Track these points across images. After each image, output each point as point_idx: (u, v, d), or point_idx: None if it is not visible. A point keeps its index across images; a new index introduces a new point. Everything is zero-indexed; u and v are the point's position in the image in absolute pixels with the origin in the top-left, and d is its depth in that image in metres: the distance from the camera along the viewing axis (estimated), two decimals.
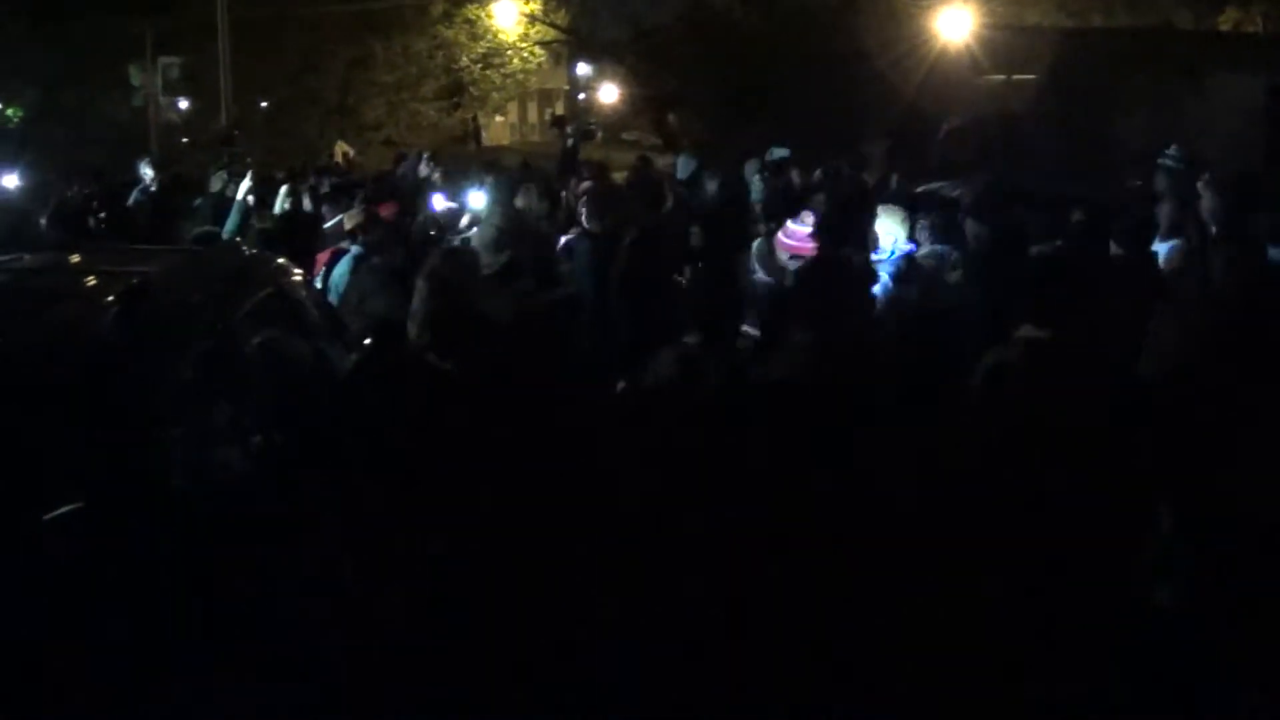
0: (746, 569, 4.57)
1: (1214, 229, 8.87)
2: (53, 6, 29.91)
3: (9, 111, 33.82)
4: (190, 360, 4.63)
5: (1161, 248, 8.87)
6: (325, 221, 11.31)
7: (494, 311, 5.92)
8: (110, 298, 4.69)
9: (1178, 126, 21.56)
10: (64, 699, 3.52)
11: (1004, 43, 25.34)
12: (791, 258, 8.64)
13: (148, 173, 14.45)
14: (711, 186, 13.28)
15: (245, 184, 11.65)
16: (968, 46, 24.79)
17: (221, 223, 10.84)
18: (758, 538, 4.57)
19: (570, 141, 17.41)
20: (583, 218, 10.35)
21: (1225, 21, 33.78)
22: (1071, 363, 5.09)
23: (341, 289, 8.25)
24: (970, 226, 8.77)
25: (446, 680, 4.45)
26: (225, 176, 13.10)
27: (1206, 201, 9.28)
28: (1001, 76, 25.47)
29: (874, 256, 8.90)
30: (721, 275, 8.70)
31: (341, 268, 8.71)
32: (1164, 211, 9.19)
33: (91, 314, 4.76)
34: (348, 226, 9.48)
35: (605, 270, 8.64)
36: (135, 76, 32.96)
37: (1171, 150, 10.76)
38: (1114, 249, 8.60)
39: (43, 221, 11.78)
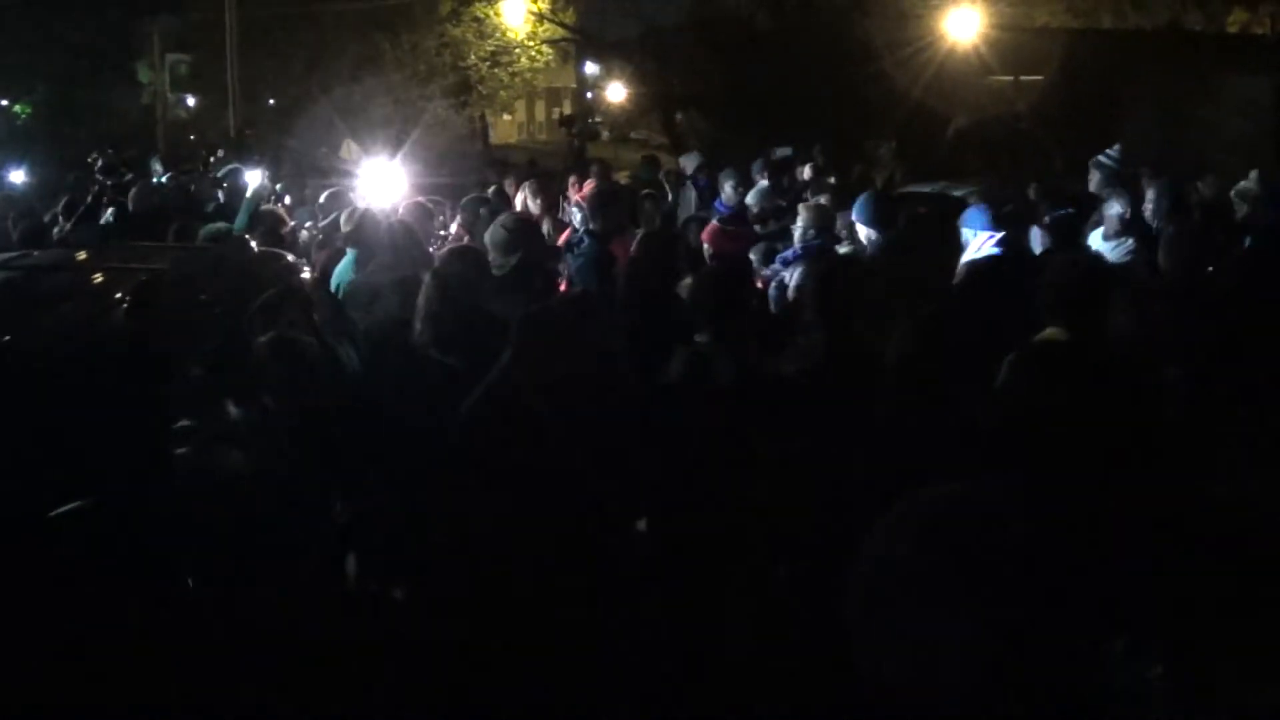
0: (759, 565, 4.58)
1: (1156, 224, 8.98)
2: (61, 4, 29.97)
3: (18, 109, 33.90)
4: (199, 357, 4.64)
5: (1107, 246, 8.94)
6: (322, 219, 11.34)
7: (505, 311, 5.92)
8: (120, 295, 4.70)
9: (1186, 127, 21.60)
10: (67, 695, 3.52)
11: (1012, 43, 25.33)
12: (712, 255, 8.71)
13: (157, 168, 14.45)
14: (727, 187, 13.30)
15: (255, 182, 11.65)
16: (975, 47, 24.77)
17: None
18: (767, 534, 4.58)
19: (575, 142, 17.41)
20: (575, 219, 10.42)
21: (1234, 23, 33.75)
22: (1094, 365, 5.07)
23: (343, 287, 8.24)
24: (861, 231, 8.73)
25: (452, 680, 4.45)
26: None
27: (1150, 198, 9.45)
28: (1009, 77, 25.47)
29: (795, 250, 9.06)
30: (733, 273, 8.69)
31: (343, 266, 8.72)
32: (1111, 210, 9.26)
33: (101, 311, 4.77)
34: (344, 231, 9.47)
35: (608, 269, 8.65)
36: (144, 74, 33.09)
37: (1112, 150, 10.92)
38: (1045, 243, 8.64)
39: (57, 217, 11.79)
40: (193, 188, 13.54)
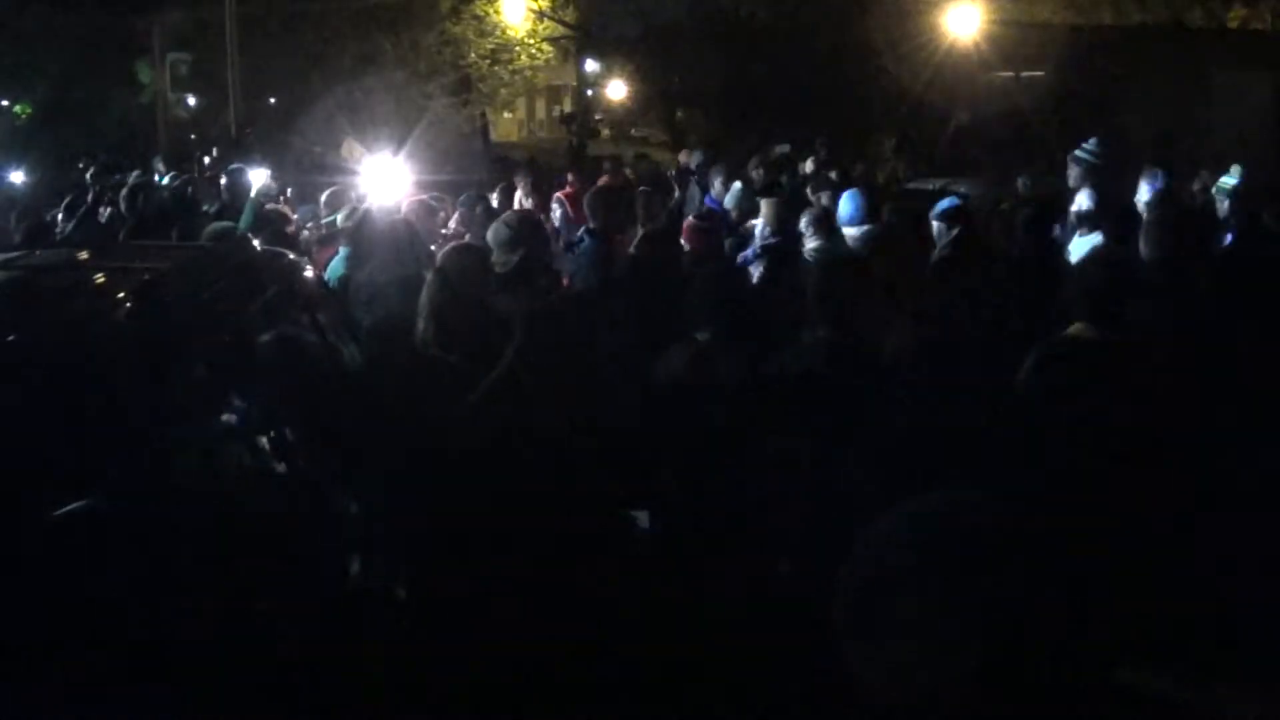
0: (760, 562, 4.57)
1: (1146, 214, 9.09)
2: (61, 3, 29.94)
3: (18, 109, 33.87)
4: (202, 357, 4.63)
5: (1082, 241, 9.12)
6: (325, 217, 11.35)
7: (508, 309, 5.93)
8: (120, 295, 4.69)
9: (1186, 123, 21.60)
10: (67, 699, 3.51)
11: (1013, 39, 25.33)
12: (688, 250, 8.79)
13: (160, 168, 14.37)
14: (716, 183, 13.32)
15: (259, 181, 11.65)
16: (976, 43, 24.76)
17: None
18: (769, 531, 4.57)
19: (574, 141, 17.40)
20: (554, 215, 10.48)
21: (1234, 19, 33.73)
22: (1124, 363, 5.07)
23: (332, 282, 8.27)
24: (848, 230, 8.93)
25: (454, 678, 4.45)
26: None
27: (1143, 190, 9.57)
28: (1010, 73, 25.46)
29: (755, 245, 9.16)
30: (734, 270, 8.70)
31: (335, 262, 8.74)
32: (1079, 204, 9.37)
33: (102, 311, 4.75)
34: (342, 228, 9.51)
35: (610, 268, 8.66)
36: (144, 73, 33.05)
37: (1089, 144, 11.02)
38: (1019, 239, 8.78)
39: (58, 217, 11.78)
40: (190, 189, 13.50)
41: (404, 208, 9.77)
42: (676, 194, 14.69)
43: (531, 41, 39.86)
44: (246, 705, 3.86)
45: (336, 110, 31.62)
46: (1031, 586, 2.15)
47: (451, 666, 4.46)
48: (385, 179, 11.08)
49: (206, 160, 17.96)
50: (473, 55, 37.97)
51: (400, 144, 14.47)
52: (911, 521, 2.30)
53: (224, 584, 4.07)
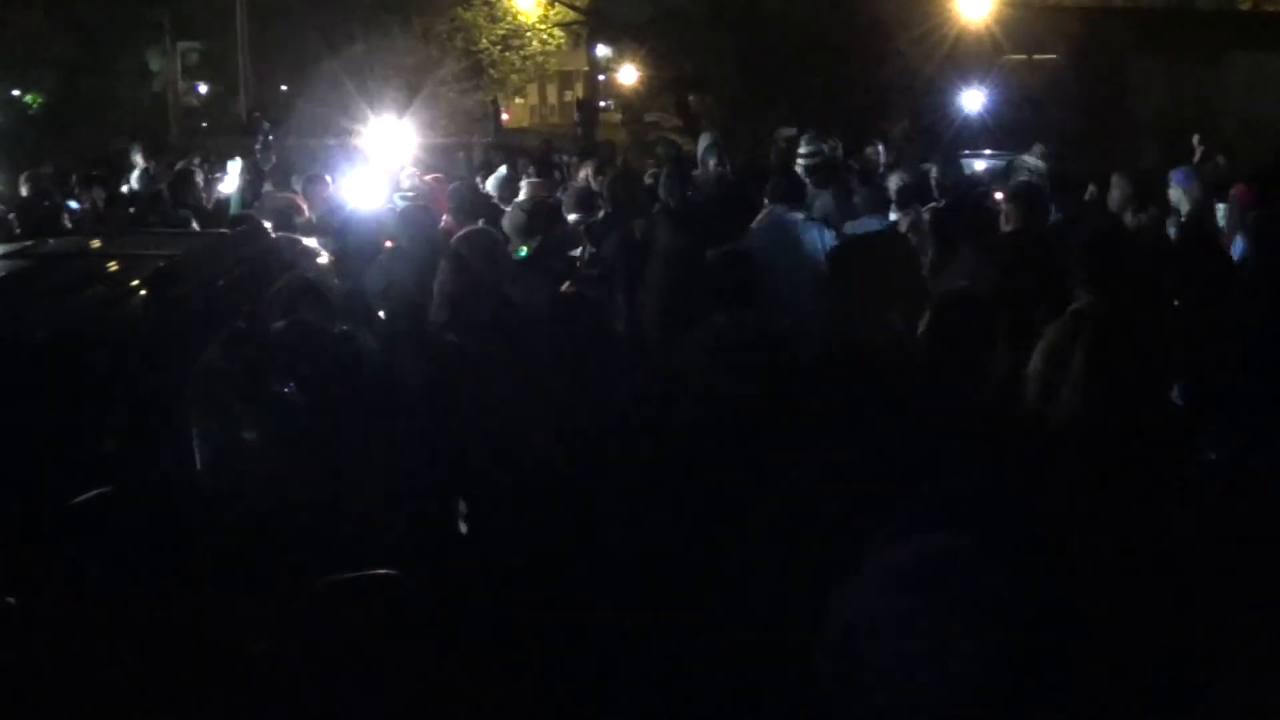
0: (780, 556, 4.55)
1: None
2: None
3: (28, 99, 33.87)
4: (216, 343, 4.64)
5: (895, 215, 9.63)
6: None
7: (524, 295, 5.91)
8: (136, 281, 4.70)
9: (1197, 105, 21.53)
10: (83, 689, 3.52)
11: (1025, 22, 25.24)
12: None
13: (138, 160, 14.07)
14: (710, 163, 13.29)
15: (235, 169, 11.54)
16: (988, 26, 24.68)
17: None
18: (793, 525, 4.55)
19: (580, 130, 17.41)
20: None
21: (1245, 1, 33.64)
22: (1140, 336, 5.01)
23: None
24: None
25: (467, 665, 4.45)
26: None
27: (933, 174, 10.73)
28: (1022, 56, 25.38)
29: None
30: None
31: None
32: (894, 183, 10.10)
33: (118, 299, 4.76)
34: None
35: (632, 252, 8.65)
36: (154, 62, 33.06)
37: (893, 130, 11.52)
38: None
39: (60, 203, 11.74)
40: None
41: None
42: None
43: (542, 27, 39.83)
44: (264, 691, 3.87)
45: (347, 96, 31.61)
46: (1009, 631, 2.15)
47: (460, 659, 4.47)
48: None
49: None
50: (484, 41, 37.98)
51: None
52: (894, 569, 2.29)
53: (239, 569, 4.07)
